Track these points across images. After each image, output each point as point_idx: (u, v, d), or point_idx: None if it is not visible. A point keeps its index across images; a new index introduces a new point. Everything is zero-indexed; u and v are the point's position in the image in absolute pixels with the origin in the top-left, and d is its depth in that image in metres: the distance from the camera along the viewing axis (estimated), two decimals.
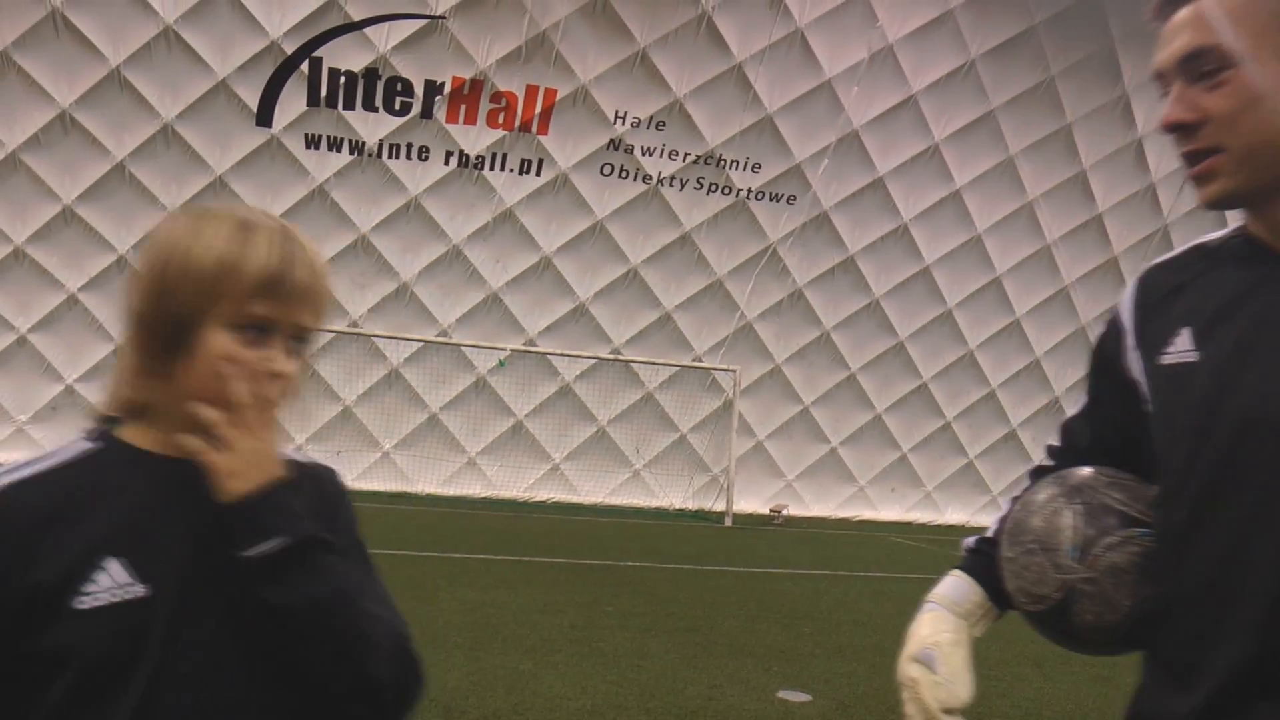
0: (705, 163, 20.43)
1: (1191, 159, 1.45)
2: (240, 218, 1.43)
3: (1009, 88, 20.71)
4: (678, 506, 21.57)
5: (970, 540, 1.86)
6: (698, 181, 20.58)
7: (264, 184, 18.70)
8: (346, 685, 1.41)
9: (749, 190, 20.76)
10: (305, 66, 18.26)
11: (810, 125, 20.40)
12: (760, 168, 20.60)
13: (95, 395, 18.71)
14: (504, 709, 6.01)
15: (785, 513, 21.21)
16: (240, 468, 1.36)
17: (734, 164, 20.53)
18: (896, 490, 23.14)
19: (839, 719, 6.32)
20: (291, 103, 18.40)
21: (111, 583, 1.35)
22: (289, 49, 18.07)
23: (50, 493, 1.37)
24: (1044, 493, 1.69)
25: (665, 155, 20.26)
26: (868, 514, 22.75)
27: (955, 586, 1.80)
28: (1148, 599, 1.54)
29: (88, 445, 1.44)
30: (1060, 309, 22.99)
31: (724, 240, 21.03)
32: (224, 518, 1.38)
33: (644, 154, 20.17)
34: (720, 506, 20.84)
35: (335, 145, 18.84)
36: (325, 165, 18.89)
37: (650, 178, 20.30)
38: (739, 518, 20.45)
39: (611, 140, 19.91)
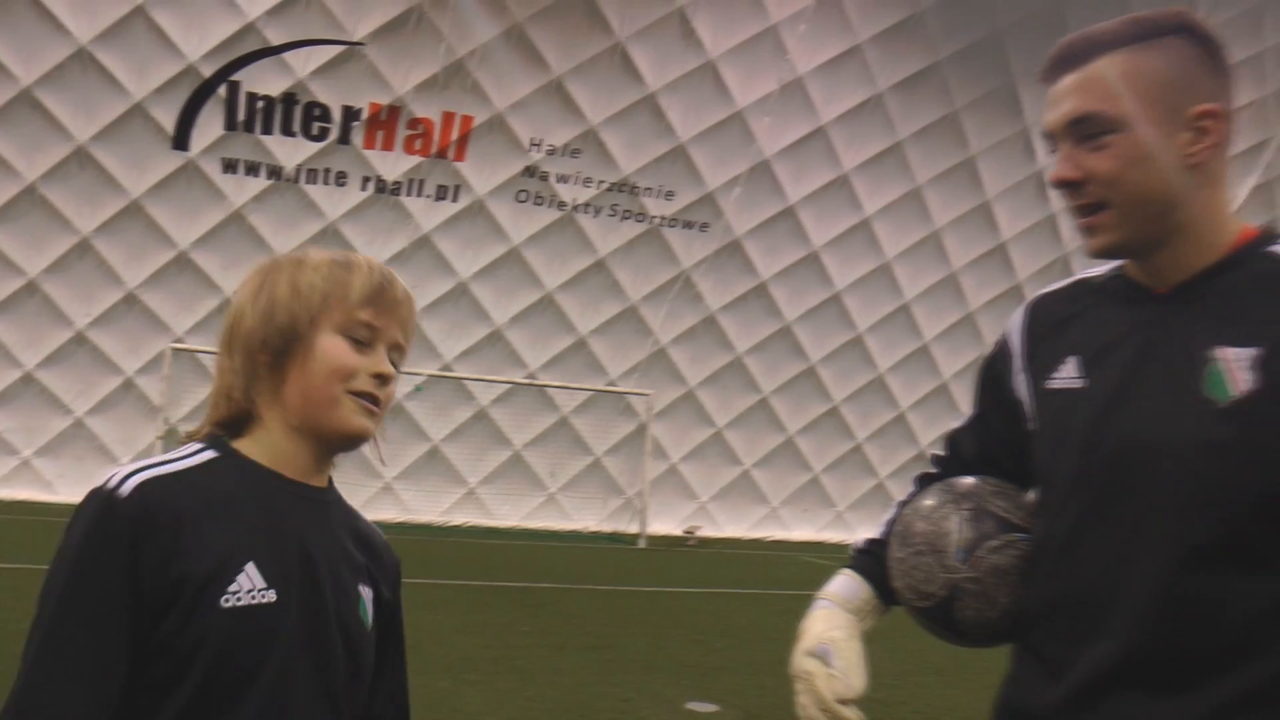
0: (620, 190, 20.74)
1: (1079, 212, 1.60)
2: (336, 254, 1.61)
3: (915, 120, 21.34)
4: (592, 529, 21.75)
5: (860, 541, 1.97)
6: (612, 208, 20.87)
7: (181, 207, 18.58)
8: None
9: (663, 217, 21.10)
10: (223, 90, 18.22)
11: (722, 154, 20.81)
12: (674, 195, 20.96)
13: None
14: None
15: (699, 534, 21.51)
16: None
17: (648, 191, 20.86)
18: (809, 511, 23.57)
19: None
20: (209, 126, 18.32)
21: (251, 585, 1.45)
22: (206, 72, 18.02)
23: (187, 491, 1.46)
24: (932, 499, 1.81)
25: (580, 182, 20.52)
26: (780, 534, 23.12)
27: (846, 585, 1.90)
28: (1023, 598, 1.68)
29: (210, 453, 1.53)
30: (966, 334, 23.66)
31: (638, 266, 21.33)
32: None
33: (559, 181, 20.41)
34: (635, 529, 21.07)
35: (253, 170, 18.81)
36: (243, 189, 18.83)
37: (565, 204, 20.56)
38: (653, 539, 20.72)
39: (527, 167, 20.14)
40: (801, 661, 1.79)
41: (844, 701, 1.73)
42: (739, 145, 20.80)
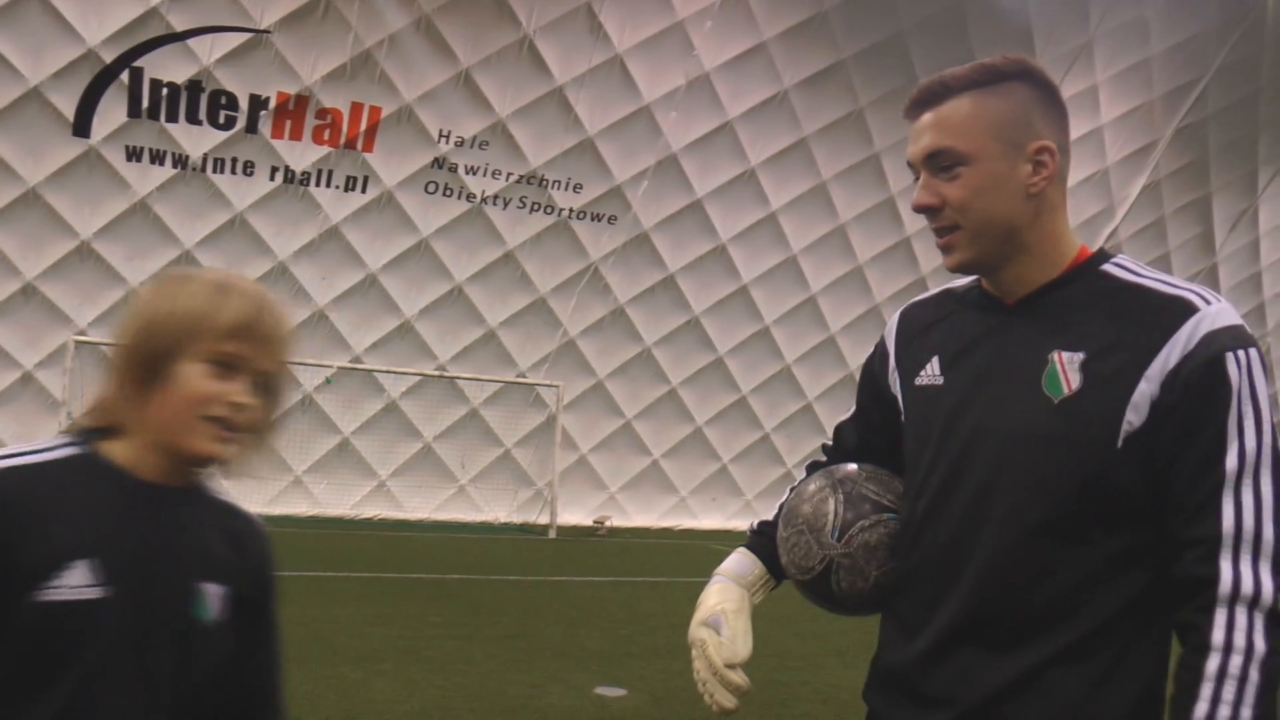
0: (528, 182, 20.78)
1: (937, 233, 1.84)
2: (219, 279, 1.69)
3: (820, 117, 21.68)
4: (503, 520, 21.83)
5: (754, 522, 2.17)
6: (520, 201, 20.92)
7: (82, 196, 18.19)
8: None
9: (571, 210, 21.21)
10: (125, 76, 17.85)
11: (630, 148, 20.96)
12: (582, 188, 21.08)
13: None
14: (336, 715, 6.31)
15: (608, 524, 21.72)
16: None
17: (556, 184, 20.93)
18: (717, 500, 23.91)
19: (651, 710, 6.83)
20: (111, 113, 17.91)
21: (76, 582, 1.54)
22: (107, 58, 17.62)
23: (38, 484, 1.57)
24: (814, 484, 2.03)
25: (489, 174, 20.53)
26: (689, 523, 23.43)
27: (739, 561, 2.11)
28: (891, 571, 1.92)
29: (73, 448, 1.64)
30: (872, 325, 24.12)
31: (547, 259, 21.41)
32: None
33: (468, 173, 20.40)
34: (545, 519, 21.20)
35: (158, 158, 18.48)
36: (147, 178, 18.47)
37: (474, 196, 20.56)
38: (563, 530, 20.87)
39: (436, 159, 20.09)
40: (696, 631, 2.00)
41: (731, 665, 1.94)
42: (646, 139, 20.96)
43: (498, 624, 9.81)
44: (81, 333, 18.56)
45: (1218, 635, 1.61)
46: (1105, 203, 24.40)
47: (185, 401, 1.62)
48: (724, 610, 2.01)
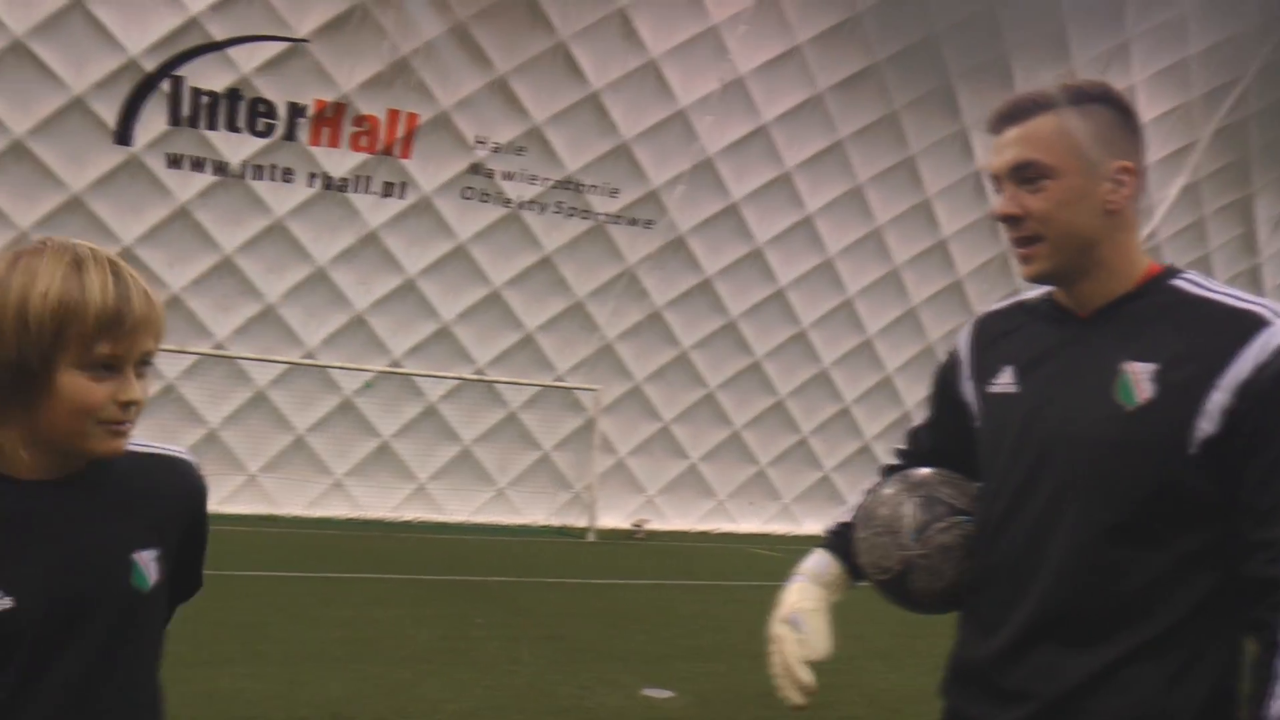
0: (564, 187, 20.87)
1: (1017, 243, 1.90)
2: (69, 258, 1.53)
3: (855, 120, 21.67)
4: (541, 523, 21.91)
5: (832, 524, 2.27)
6: (557, 205, 21.01)
7: (124, 203, 18.44)
8: None
9: (607, 214, 21.27)
10: (166, 85, 18.10)
11: (665, 152, 21.01)
12: (618, 192, 21.14)
13: None
14: (388, 713, 6.37)
15: (646, 527, 21.75)
16: None
17: (592, 189, 21.01)
18: (754, 503, 23.89)
19: (699, 712, 6.86)
20: (152, 121, 18.17)
21: None
22: (149, 67, 17.88)
23: None
24: (891, 488, 2.11)
25: (525, 180, 20.62)
26: (727, 526, 23.41)
27: (819, 562, 2.22)
28: (967, 571, 1.99)
29: None
30: (908, 328, 24.09)
31: (584, 263, 21.49)
32: None
33: (504, 178, 20.51)
34: (583, 522, 21.27)
35: (198, 165, 18.71)
36: (188, 185, 18.71)
37: (511, 201, 20.67)
38: (601, 533, 20.93)
39: (473, 164, 20.21)
40: (775, 628, 2.12)
41: (810, 663, 2.06)
42: (682, 143, 21.01)
43: (541, 625, 9.86)
44: None
45: None
46: (1143, 203, 24.19)
47: (75, 414, 1.53)
48: (803, 609, 2.12)
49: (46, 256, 1.53)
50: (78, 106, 17.80)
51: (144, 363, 1.58)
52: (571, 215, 21.10)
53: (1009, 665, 1.88)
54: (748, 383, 23.27)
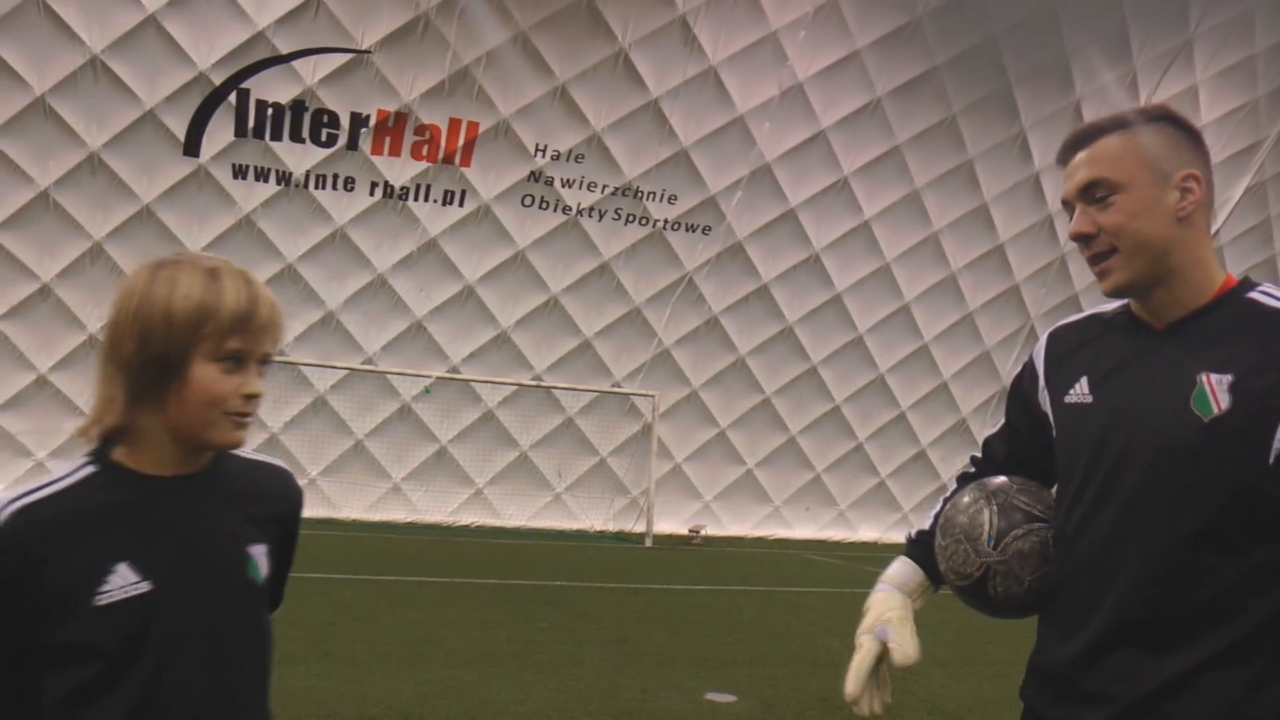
0: (623, 194, 21.01)
1: (1094, 260, 1.99)
2: (205, 267, 1.74)
3: (913, 124, 21.61)
4: (598, 528, 22.05)
5: (912, 532, 2.35)
6: (616, 212, 21.15)
7: (191, 213, 18.87)
8: None
9: (665, 221, 21.39)
10: (233, 98, 18.48)
11: (724, 158, 21.08)
12: (676, 199, 21.23)
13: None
14: (457, 714, 6.50)
15: (703, 533, 21.81)
16: None
17: (650, 195, 21.13)
18: (811, 509, 23.85)
19: (762, 715, 6.92)
20: (219, 133, 18.59)
21: (122, 581, 1.68)
22: (217, 80, 18.28)
23: (60, 511, 1.69)
24: (968, 496, 2.18)
25: (584, 187, 20.79)
26: (783, 533, 23.42)
27: (901, 569, 2.29)
28: (1044, 576, 2.07)
29: (88, 469, 1.75)
30: (965, 334, 23.96)
31: (641, 269, 21.62)
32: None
33: (564, 186, 20.69)
34: (640, 528, 21.38)
35: (262, 175, 19.10)
36: (252, 195, 19.11)
37: (570, 209, 20.85)
38: (658, 538, 21.02)
39: (532, 172, 20.42)
40: (860, 637, 2.21)
41: (904, 669, 2.17)
42: (740, 149, 21.08)
43: (603, 629, 9.96)
44: None
45: None
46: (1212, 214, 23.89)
47: (205, 402, 1.72)
48: (889, 619, 2.20)
49: (185, 267, 1.74)
50: (149, 120, 18.25)
51: (263, 363, 1.78)
52: (630, 222, 21.23)
53: (1089, 668, 1.94)
54: (804, 388, 23.26)
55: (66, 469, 1.76)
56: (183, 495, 1.78)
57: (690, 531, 21.83)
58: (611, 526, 22.18)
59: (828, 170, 21.66)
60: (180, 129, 18.45)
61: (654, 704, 7.04)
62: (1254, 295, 1.94)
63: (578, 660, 8.29)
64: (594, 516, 22.20)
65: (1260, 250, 25.11)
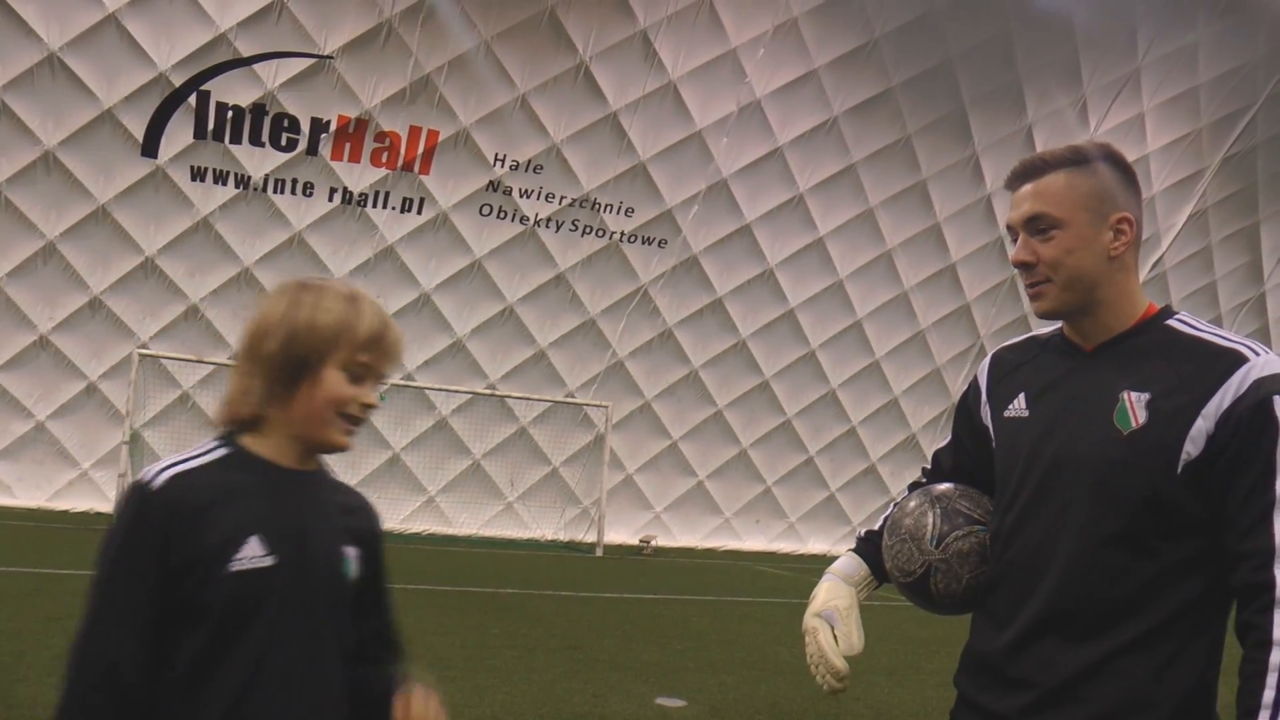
0: (580, 206, 21.14)
1: (1029, 285, 2.18)
2: (347, 292, 2.01)
3: (868, 144, 21.94)
4: (550, 537, 22.12)
5: (862, 531, 2.51)
6: (573, 224, 21.27)
7: (148, 214, 18.76)
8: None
9: (622, 233, 21.54)
10: (193, 99, 18.42)
11: (681, 173, 21.29)
12: (633, 212, 21.40)
13: None
14: None
15: (654, 543, 21.95)
16: None
17: (608, 208, 21.28)
18: (761, 521, 24.07)
19: None
20: (178, 134, 18.50)
21: (254, 553, 1.90)
22: (177, 81, 18.20)
23: (206, 482, 1.91)
24: (914, 501, 2.36)
25: (542, 198, 20.90)
26: (733, 544, 23.61)
27: (848, 563, 2.45)
28: (981, 574, 2.25)
29: (222, 450, 1.98)
30: (917, 351, 24.31)
31: (597, 281, 21.75)
32: None
33: (522, 196, 20.79)
34: (591, 537, 21.48)
35: (221, 178, 19.04)
36: (210, 198, 19.04)
37: (527, 219, 20.95)
38: (609, 548, 21.12)
39: (491, 182, 20.50)
40: (810, 620, 2.34)
41: (846, 657, 2.27)
42: (697, 164, 21.29)
43: (555, 636, 10.07)
44: (144, 346, 19.10)
45: (1278, 632, 1.89)
46: (1151, 230, 24.44)
47: (328, 403, 1.95)
48: (837, 607, 2.34)
49: (330, 290, 2.00)
50: (107, 119, 18.15)
51: (380, 381, 2.02)
52: (586, 234, 21.37)
53: (1015, 657, 2.12)
54: (756, 402, 23.50)
55: (202, 447, 1.99)
56: (302, 486, 2.01)
57: (641, 542, 21.96)
58: (563, 536, 22.25)
59: (783, 187, 21.92)
60: (139, 129, 18.35)
61: (605, 708, 7.17)
62: (1171, 322, 2.14)
63: (530, 665, 8.40)
64: (545, 526, 22.27)
65: (1202, 275, 25.72)
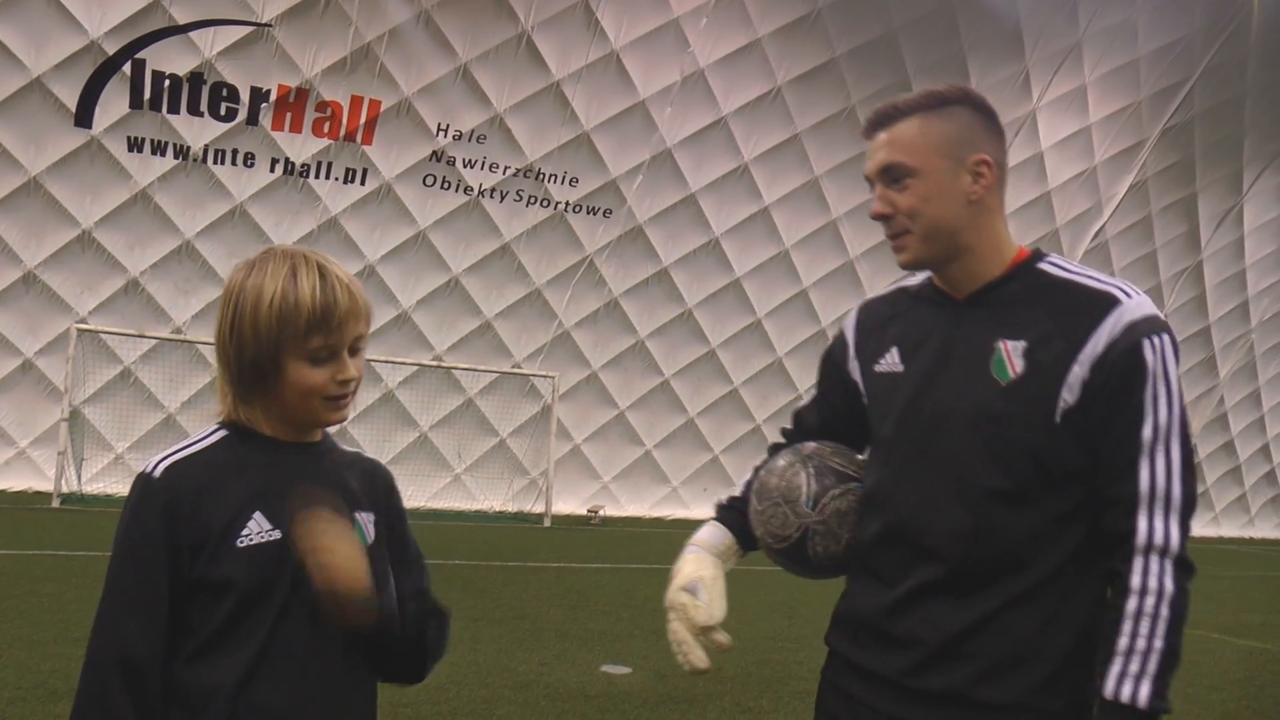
0: (524, 176, 21.03)
1: (891, 237, 2.10)
2: (287, 268, 1.91)
3: (813, 113, 21.98)
4: (498, 509, 22.11)
5: (723, 498, 2.40)
6: (517, 194, 21.16)
7: (83, 185, 18.39)
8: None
9: (567, 203, 21.48)
10: (128, 68, 18.04)
11: (625, 142, 21.23)
12: (578, 182, 21.33)
13: None
14: None
15: (602, 513, 22.03)
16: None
17: (552, 178, 21.19)
18: (709, 490, 24.17)
19: (656, 686, 7.13)
20: (113, 104, 18.11)
21: (259, 528, 1.90)
22: (110, 49, 17.82)
23: (203, 465, 1.93)
24: (783, 460, 2.24)
25: (486, 168, 20.76)
26: (681, 513, 23.69)
27: (712, 533, 2.34)
28: (859, 532, 2.16)
29: (221, 432, 1.99)
30: None
31: (543, 251, 21.68)
32: None
33: (465, 166, 20.63)
34: (539, 508, 21.50)
35: (159, 149, 18.69)
36: (148, 169, 18.69)
37: (471, 189, 20.81)
38: (557, 518, 21.17)
39: (434, 152, 20.33)
40: (675, 596, 2.23)
41: (708, 628, 2.18)
42: (641, 134, 21.25)
43: (501, 606, 10.09)
44: (83, 321, 18.78)
45: (1135, 580, 1.91)
46: (1093, 200, 24.79)
47: (302, 394, 1.93)
48: (700, 577, 2.23)
49: (270, 267, 1.93)
50: (37, 87, 17.74)
51: (353, 352, 1.96)
52: (531, 204, 21.28)
53: (900, 614, 2.07)
54: (702, 371, 23.59)
55: (202, 433, 2.00)
56: (303, 458, 2.00)
57: (589, 512, 22.02)
58: (511, 507, 22.25)
59: (728, 156, 21.94)
60: (71, 99, 17.95)
61: (550, 676, 7.21)
62: (1043, 265, 2.10)
63: (475, 635, 8.41)
64: (493, 497, 22.25)
65: (1143, 245, 26.11)
